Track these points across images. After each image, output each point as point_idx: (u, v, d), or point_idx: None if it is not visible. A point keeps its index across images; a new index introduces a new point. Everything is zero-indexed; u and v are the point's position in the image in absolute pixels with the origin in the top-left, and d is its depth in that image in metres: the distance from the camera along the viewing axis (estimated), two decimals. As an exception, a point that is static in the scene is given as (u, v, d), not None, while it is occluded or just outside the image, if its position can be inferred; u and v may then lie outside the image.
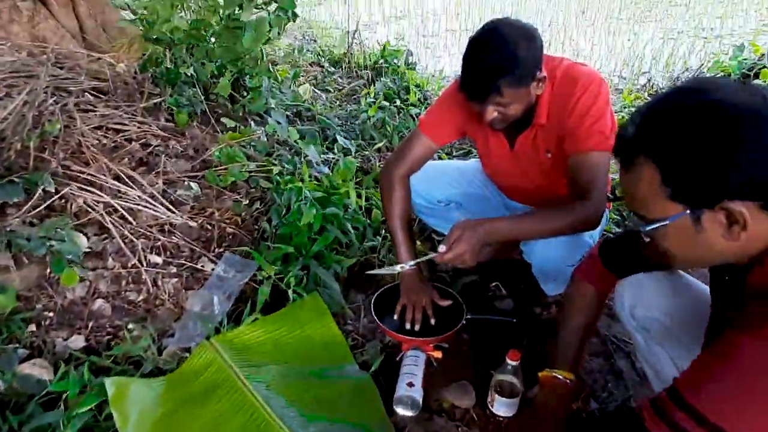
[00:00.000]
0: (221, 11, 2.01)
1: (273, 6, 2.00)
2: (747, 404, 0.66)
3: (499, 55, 1.21)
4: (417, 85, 3.27)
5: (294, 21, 2.10)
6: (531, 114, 1.36)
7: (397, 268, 1.38)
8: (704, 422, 0.67)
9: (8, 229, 1.50)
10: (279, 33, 2.10)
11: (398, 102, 2.86)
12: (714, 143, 0.67)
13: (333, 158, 2.18)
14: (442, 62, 6.66)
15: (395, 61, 3.66)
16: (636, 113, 0.77)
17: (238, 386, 1.29)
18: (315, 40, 6.57)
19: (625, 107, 4.43)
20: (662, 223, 0.75)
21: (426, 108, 3.04)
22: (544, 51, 1.29)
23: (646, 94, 4.63)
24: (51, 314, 1.46)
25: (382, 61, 3.68)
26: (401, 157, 1.53)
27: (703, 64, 5.07)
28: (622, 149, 0.79)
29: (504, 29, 1.24)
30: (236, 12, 1.96)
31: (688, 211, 0.72)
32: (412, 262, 1.39)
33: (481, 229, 1.22)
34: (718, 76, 4.52)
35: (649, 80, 5.29)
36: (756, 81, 3.95)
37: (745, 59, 4.34)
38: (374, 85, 3.22)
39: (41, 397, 1.22)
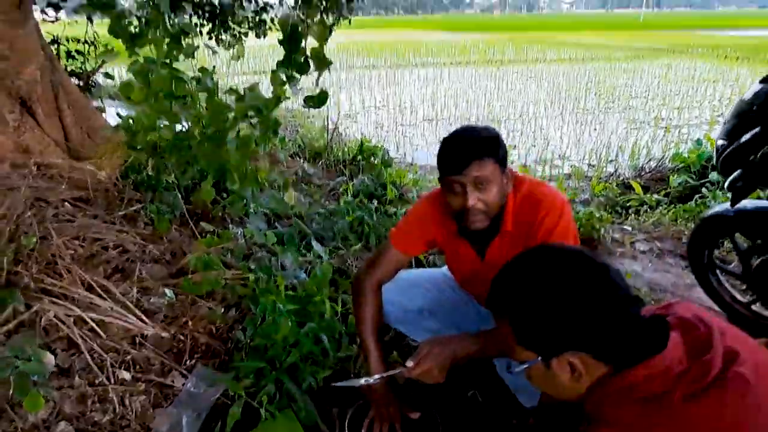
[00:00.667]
0: (204, 122, 2.11)
1: (255, 119, 2.11)
2: None
3: (480, 135, 1.32)
4: (393, 182, 3.39)
5: (276, 135, 2.21)
6: (499, 220, 1.41)
7: (362, 381, 1.36)
8: None
9: (-26, 349, 1.46)
10: (264, 147, 2.19)
11: (376, 202, 2.95)
12: (547, 308, 0.80)
13: (309, 262, 2.21)
14: (419, 151, 6.97)
15: (372, 158, 3.81)
16: (494, 277, 0.93)
17: None
18: (297, 130, 6.84)
19: (595, 196, 4.63)
20: (522, 367, 0.87)
21: (402, 206, 3.14)
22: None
23: (613, 183, 4.86)
24: (9, 441, 1.39)
25: (360, 157, 3.83)
26: (373, 268, 1.57)
27: (665, 154, 5.38)
28: (487, 306, 0.95)
29: (477, 126, 1.35)
30: (223, 124, 2.05)
31: (540, 359, 0.83)
32: (377, 376, 1.38)
33: (449, 347, 1.24)
34: (678, 168, 4.79)
35: (616, 169, 5.57)
36: (713, 173, 4.19)
37: (702, 152, 4.63)
38: (353, 182, 3.33)
39: None
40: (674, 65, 16.08)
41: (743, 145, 1.61)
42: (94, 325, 1.70)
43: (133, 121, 2.21)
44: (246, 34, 7.52)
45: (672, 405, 0.74)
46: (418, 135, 8.00)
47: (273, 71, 2.06)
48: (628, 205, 4.36)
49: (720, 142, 1.76)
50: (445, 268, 1.76)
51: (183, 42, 2.04)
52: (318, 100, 1.99)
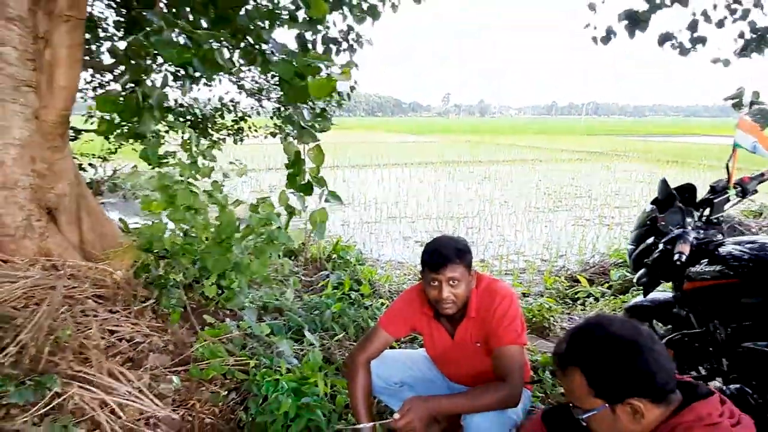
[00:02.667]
0: (216, 230, 2.50)
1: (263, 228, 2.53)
2: None
3: (455, 243, 1.80)
4: (368, 279, 3.79)
5: (279, 247, 2.63)
6: (465, 308, 1.84)
7: (359, 426, 1.69)
8: None
9: (13, 428, 1.68)
10: (278, 255, 2.60)
11: (354, 294, 3.33)
12: (618, 364, 1.11)
13: (301, 350, 2.52)
14: (384, 247, 7.42)
15: (348, 256, 4.23)
16: (565, 336, 1.23)
17: None
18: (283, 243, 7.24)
19: (547, 289, 5.12)
20: (591, 413, 1.15)
21: (375, 298, 3.52)
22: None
23: (563, 277, 5.39)
24: None
25: (335, 255, 4.24)
26: (363, 347, 1.94)
27: (608, 251, 6.01)
28: (559, 360, 1.22)
29: (453, 236, 1.83)
30: (231, 234, 2.45)
31: (606, 405, 1.12)
32: (370, 424, 1.71)
33: (427, 404, 1.60)
34: (618, 263, 5.39)
35: (563, 265, 6.14)
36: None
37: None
38: (331, 278, 3.71)
39: None
40: (613, 167, 17.76)
41: (642, 250, 2.13)
42: (115, 407, 1.94)
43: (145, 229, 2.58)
44: (224, 140, 8.12)
45: (727, 428, 1.04)
46: (383, 232, 8.50)
47: (281, 192, 2.54)
48: (576, 296, 4.87)
49: (629, 246, 2.28)
50: (422, 350, 2.14)
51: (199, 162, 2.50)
52: (319, 218, 2.45)
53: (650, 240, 2.10)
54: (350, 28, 4.26)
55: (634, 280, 2.22)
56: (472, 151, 24.58)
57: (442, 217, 9.49)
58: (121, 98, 2.04)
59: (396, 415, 1.57)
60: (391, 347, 2.62)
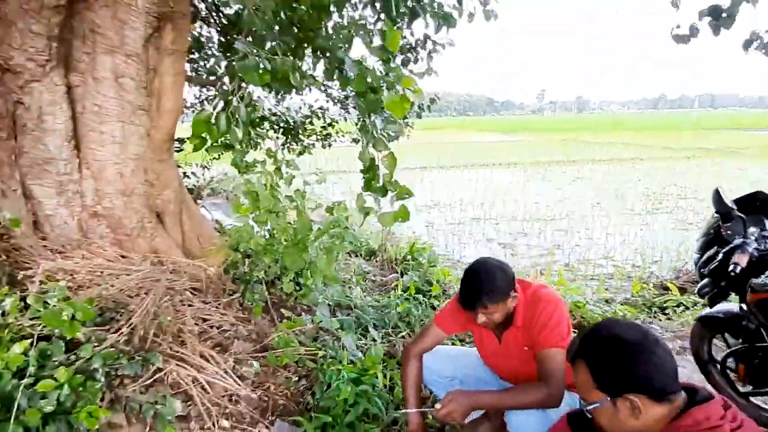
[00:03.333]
0: (293, 232, 2.80)
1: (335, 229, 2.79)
2: None
3: (487, 283, 1.84)
4: (438, 281, 3.92)
5: (346, 246, 2.87)
6: (511, 318, 1.93)
7: (406, 410, 1.87)
8: None
9: (125, 395, 2.06)
10: (358, 255, 2.85)
11: (421, 296, 3.49)
12: (619, 360, 1.20)
13: (365, 344, 2.73)
14: (467, 249, 7.46)
15: (421, 258, 4.39)
16: (579, 334, 1.34)
17: None
18: (354, 230, 7.59)
19: (633, 296, 4.91)
20: (594, 405, 1.24)
21: (445, 300, 3.64)
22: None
23: (651, 284, 5.12)
24: (147, 465, 1.92)
25: (410, 257, 4.42)
26: (418, 341, 2.10)
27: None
28: (569, 355, 1.33)
29: (488, 265, 1.89)
30: (307, 235, 2.74)
31: (608, 399, 1.21)
32: (415, 410, 1.89)
33: (468, 397, 1.73)
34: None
35: (652, 272, 5.80)
36: None
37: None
38: (403, 279, 3.90)
39: None
40: (725, 165, 16.18)
41: (705, 260, 2.07)
42: (204, 384, 2.27)
43: (236, 230, 2.94)
44: (313, 145, 8.63)
45: (726, 431, 1.10)
46: (467, 233, 8.53)
47: (359, 194, 2.79)
48: (664, 305, 4.62)
49: (695, 255, 2.21)
50: (475, 349, 2.25)
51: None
52: (393, 218, 2.67)
53: (710, 251, 2.04)
54: (427, 37, 4.42)
55: (696, 290, 2.16)
56: (566, 150, 23.57)
57: (528, 219, 9.31)
58: (213, 119, 2.37)
59: (438, 405, 1.72)
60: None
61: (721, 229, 1.98)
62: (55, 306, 1.82)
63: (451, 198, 11.97)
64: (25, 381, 1.64)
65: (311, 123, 8.38)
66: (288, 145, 8.30)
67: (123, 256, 2.79)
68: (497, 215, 9.95)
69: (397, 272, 4.32)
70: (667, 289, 4.97)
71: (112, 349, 2.03)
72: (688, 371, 3.03)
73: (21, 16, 2.33)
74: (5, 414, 1.56)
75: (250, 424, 2.20)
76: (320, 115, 8.29)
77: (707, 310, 2.44)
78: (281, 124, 8.23)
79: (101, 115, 2.71)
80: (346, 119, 8.47)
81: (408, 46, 4.42)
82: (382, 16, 3.82)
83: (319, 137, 8.63)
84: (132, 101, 2.70)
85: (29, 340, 1.71)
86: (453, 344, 2.80)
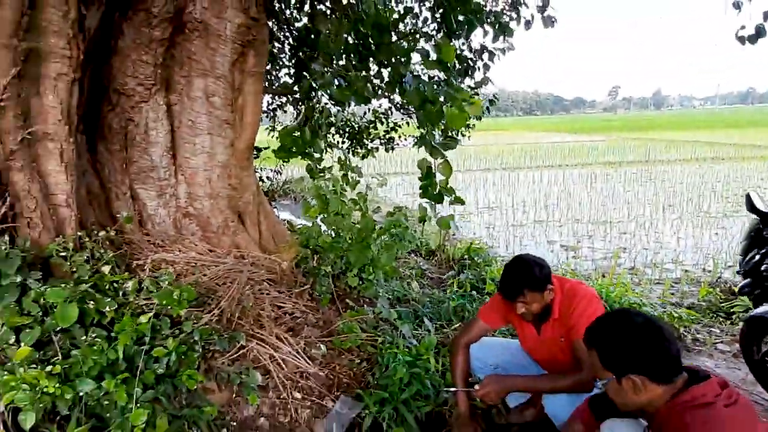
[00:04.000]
0: (356, 231, 3.12)
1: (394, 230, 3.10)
2: None
3: (525, 274, 2.06)
4: (492, 279, 4.11)
5: (405, 245, 3.16)
6: (549, 311, 2.13)
7: (452, 389, 2.15)
8: None
9: (217, 366, 2.45)
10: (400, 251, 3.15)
11: (475, 293, 3.70)
12: (621, 346, 1.40)
13: (420, 334, 2.99)
14: (527, 250, 7.50)
15: (477, 257, 4.58)
16: (591, 323, 1.54)
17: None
18: (415, 231, 7.86)
19: (699, 302, 4.82)
20: (603, 382, 1.46)
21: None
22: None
23: (718, 289, 5.00)
24: (234, 424, 2.30)
25: (467, 256, 4.63)
26: (465, 333, 2.34)
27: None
28: (584, 339, 1.54)
29: (526, 260, 2.10)
30: (369, 234, 3.05)
31: (614, 378, 1.41)
32: (457, 389, 2.14)
33: (504, 380, 1.95)
34: None
35: (724, 277, 5.62)
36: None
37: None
38: (460, 276, 4.12)
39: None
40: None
41: (747, 261, 2.15)
42: (280, 361, 2.62)
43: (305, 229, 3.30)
44: (377, 148, 8.99)
45: (717, 409, 1.26)
46: (528, 235, 8.53)
47: (420, 205, 3.09)
48: (731, 310, 4.52)
49: (738, 257, 2.29)
50: (517, 341, 2.46)
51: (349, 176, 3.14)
52: (445, 223, 2.94)
53: (754, 251, 2.12)
54: (483, 48, 4.61)
55: (736, 290, 2.23)
56: (640, 150, 22.53)
57: (594, 221, 9.15)
58: (297, 132, 2.73)
59: (477, 386, 1.95)
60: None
61: (763, 232, 2.06)
62: (166, 287, 2.23)
63: (514, 200, 11.90)
64: (145, 347, 2.05)
65: (375, 127, 8.76)
66: (353, 148, 8.71)
67: (210, 251, 3.22)
68: (561, 217, 9.82)
69: (454, 270, 4.55)
70: (736, 294, 4.84)
71: (206, 326, 2.42)
72: (742, 374, 3.04)
73: (134, 49, 2.81)
74: (130, 373, 1.97)
75: (318, 397, 2.52)
76: (383, 119, 8.65)
77: (753, 311, 2.49)
78: (347, 129, 8.68)
79: (194, 128, 3.15)
80: (408, 123, 8.79)
81: (465, 57, 4.63)
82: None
83: (382, 141, 9.00)
84: (219, 116, 3.13)
85: (148, 314, 2.12)
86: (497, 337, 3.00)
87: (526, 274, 2.05)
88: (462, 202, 3.31)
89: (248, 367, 2.49)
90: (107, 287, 2.23)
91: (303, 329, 2.93)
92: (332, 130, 8.33)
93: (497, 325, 2.37)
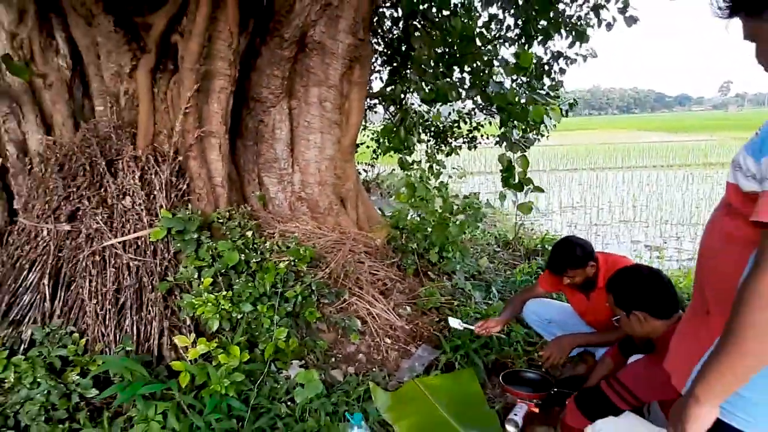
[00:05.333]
0: (437, 214, 3.71)
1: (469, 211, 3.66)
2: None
3: (571, 252, 2.55)
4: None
5: (477, 225, 3.70)
6: (595, 281, 2.59)
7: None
8: None
9: (327, 313, 3.15)
10: (469, 229, 3.70)
11: (541, 272, 4.13)
12: (627, 289, 1.89)
13: (489, 301, 3.52)
14: (609, 249, 7.60)
15: (549, 246, 4.98)
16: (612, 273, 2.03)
17: (429, 402, 2.55)
18: (495, 225, 8.25)
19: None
20: (618, 317, 1.94)
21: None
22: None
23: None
24: (339, 356, 2.98)
25: (540, 246, 5.04)
26: (524, 291, 2.91)
27: None
28: (606, 286, 2.03)
29: (569, 241, 2.59)
30: (447, 216, 3.63)
31: (624, 313, 1.91)
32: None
33: (563, 341, 2.45)
34: None
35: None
36: None
37: None
38: (529, 262, 4.57)
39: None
40: None
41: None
42: (374, 315, 3.28)
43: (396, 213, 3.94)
44: (460, 147, 9.48)
45: None
46: (611, 234, 8.57)
47: (500, 192, 3.64)
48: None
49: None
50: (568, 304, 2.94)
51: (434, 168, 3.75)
52: (526, 208, 3.46)
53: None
54: (560, 53, 5.00)
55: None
56: (747, 150, 20.75)
57: (684, 223, 8.98)
58: (394, 129, 3.38)
59: (542, 353, 2.48)
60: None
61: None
62: (294, 246, 2.97)
63: (600, 200, 11.76)
64: (279, 290, 2.79)
65: (458, 126, 9.26)
66: (437, 146, 9.27)
67: (318, 228, 3.97)
68: (648, 218, 9.67)
69: (527, 259, 4.98)
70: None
71: (321, 281, 3.14)
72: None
73: (268, 65, 3.59)
74: (271, 307, 2.71)
75: (404, 344, 3.15)
76: (467, 119, 9.12)
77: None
78: (432, 128, 9.25)
79: (309, 128, 3.90)
80: (490, 123, 9.19)
81: (543, 62, 5.04)
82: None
83: (465, 140, 9.47)
84: (330, 118, 3.85)
85: (284, 263, 2.86)
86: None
87: (569, 254, 2.55)
88: (541, 191, 3.78)
89: (350, 316, 3.17)
90: (251, 246, 3.00)
91: (392, 293, 3.57)
92: (420, 129, 8.96)
93: (550, 290, 2.87)
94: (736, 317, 0.93)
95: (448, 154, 9.38)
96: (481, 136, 9.40)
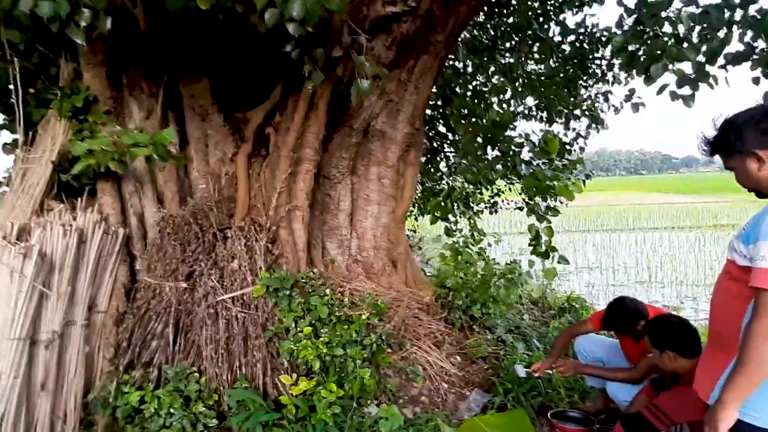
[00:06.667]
0: (480, 276, 4.30)
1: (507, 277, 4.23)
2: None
3: (617, 320, 3.07)
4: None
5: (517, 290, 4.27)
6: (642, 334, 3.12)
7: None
8: None
9: (393, 360, 3.66)
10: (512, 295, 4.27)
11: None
12: (660, 333, 2.44)
13: (530, 352, 4.02)
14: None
15: (576, 304, 5.50)
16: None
17: (486, 434, 3.03)
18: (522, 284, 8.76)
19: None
20: (651, 355, 2.47)
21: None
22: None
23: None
24: (406, 397, 3.47)
25: (566, 304, 5.56)
26: (574, 327, 3.45)
27: None
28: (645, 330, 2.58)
29: (625, 305, 3.11)
30: (489, 277, 4.21)
31: (658, 352, 2.44)
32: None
33: (575, 366, 3.01)
34: None
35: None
36: None
37: None
38: (560, 318, 5.08)
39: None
40: None
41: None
42: (431, 362, 3.78)
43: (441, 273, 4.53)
44: (482, 211, 10.14)
45: None
46: (629, 294, 8.96)
47: (529, 260, 4.22)
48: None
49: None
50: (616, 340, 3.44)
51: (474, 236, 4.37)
52: (551, 274, 4.03)
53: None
54: (579, 135, 5.75)
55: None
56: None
57: (699, 283, 9.35)
58: (442, 204, 4.03)
59: (559, 363, 3.02)
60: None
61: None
62: (371, 300, 3.55)
63: (615, 261, 12.15)
64: (359, 338, 3.34)
65: (480, 192, 9.99)
66: (461, 211, 9.94)
67: (377, 287, 4.55)
68: (664, 279, 10.03)
69: (556, 314, 5.49)
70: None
71: (388, 331, 3.68)
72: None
73: (338, 149, 4.32)
74: (355, 352, 3.24)
75: (459, 388, 3.64)
76: (488, 186, 9.86)
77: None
78: (455, 194, 9.99)
79: (368, 200, 4.58)
80: (510, 189, 9.89)
81: (563, 141, 5.79)
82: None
83: (487, 205, 10.17)
84: (387, 192, 4.53)
85: (364, 315, 3.42)
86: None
87: (619, 320, 3.03)
88: (566, 262, 4.37)
89: (412, 362, 3.69)
90: (334, 301, 3.58)
91: (444, 344, 4.08)
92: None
93: (599, 329, 3.38)
94: (745, 349, 1.48)
95: (470, 219, 10.03)
96: (502, 201, 10.09)
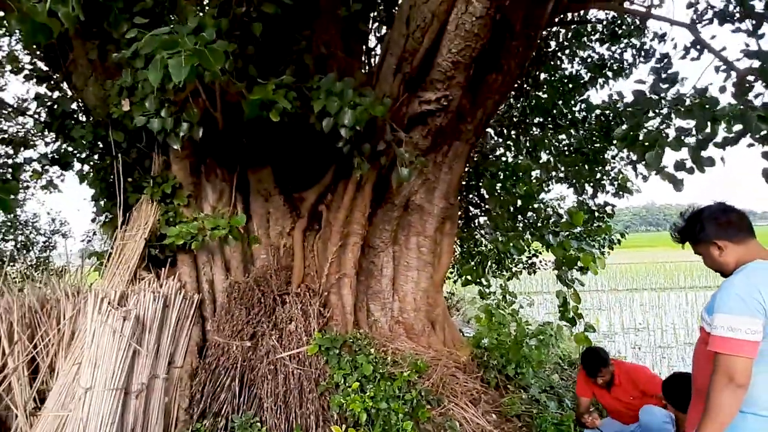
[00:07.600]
0: (513, 337, 4.63)
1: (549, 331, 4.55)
2: None
3: (597, 360, 3.48)
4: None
5: (548, 350, 4.56)
6: (613, 380, 3.44)
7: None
8: None
9: (431, 416, 3.99)
10: (546, 353, 4.58)
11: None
12: (671, 390, 2.75)
13: (563, 412, 4.25)
14: (677, 370, 7.88)
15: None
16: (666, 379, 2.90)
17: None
18: (559, 345, 8.81)
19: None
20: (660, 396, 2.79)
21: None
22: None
23: None
24: None
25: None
26: (577, 407, 3.67)
27: None
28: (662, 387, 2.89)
29: (595, 348, 3.50)
30: (522, 338, 4.54)
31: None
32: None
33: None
34: None
35: None
36: None
37: None
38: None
39: None
40: None
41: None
42: (468, 419, 4.08)
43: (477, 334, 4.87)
44: (520, 272, 10.38)
45: None
46: (677, 357, 8.78)
47: (558, 325, 4.55)
48: None
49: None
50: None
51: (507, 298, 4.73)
52: (582, 339, 4.34)
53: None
54: (606, 203, 6.11)
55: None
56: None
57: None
58: (474, 268, 4.46)
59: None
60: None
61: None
62: (412, 358, 3.95)
63: (663, 321, 11.92)
64: (401, 394, 3.72)
65: (512, 257, 10.29)
66: (498, 272, 10.22)
67: (416, 346, 4.93)
68: (713, 340, 9.77)
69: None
70: None
71: (427, 389, 4.04)
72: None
73: (381, 222, 4.86)
74: (398, 406, 3.62)
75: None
76: (525, 248, 10.16)
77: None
78: (491, 255, 10.31)
79: (408, 267, 5.05)
80: (547, 249, 10.15)
81: (591, 210, 6.15)
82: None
83: (524, 266, 10.41)
84: (425, 260, 5.01)
85: (404, 373, 3.81)
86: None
87: (597, 359, 3.54)
88: (593, 330, 4.64)
89: (450, 418, 4.00)
90: (376, 359, 4.00)
91: (480, 402, 4.38)
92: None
93: (588, 397, 3.68)
94: (708, 400, 1.83)
95: (508, 279, 10.28)
96: (540, 261, 10.31)
